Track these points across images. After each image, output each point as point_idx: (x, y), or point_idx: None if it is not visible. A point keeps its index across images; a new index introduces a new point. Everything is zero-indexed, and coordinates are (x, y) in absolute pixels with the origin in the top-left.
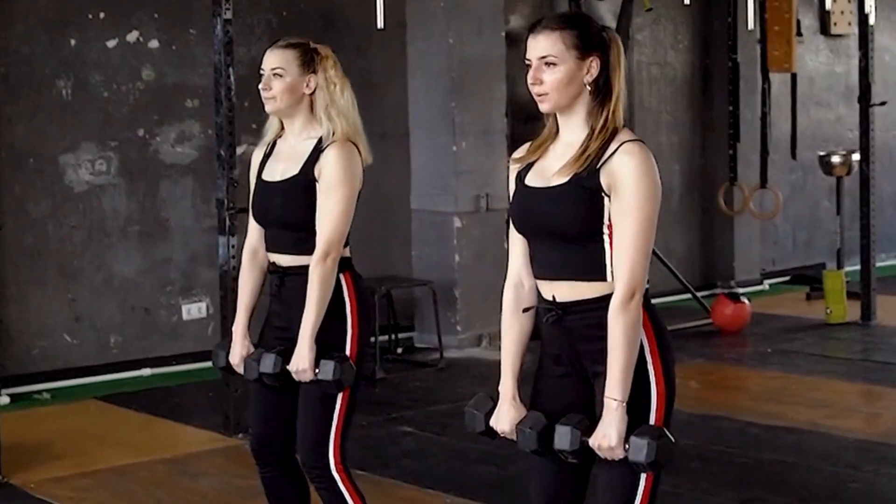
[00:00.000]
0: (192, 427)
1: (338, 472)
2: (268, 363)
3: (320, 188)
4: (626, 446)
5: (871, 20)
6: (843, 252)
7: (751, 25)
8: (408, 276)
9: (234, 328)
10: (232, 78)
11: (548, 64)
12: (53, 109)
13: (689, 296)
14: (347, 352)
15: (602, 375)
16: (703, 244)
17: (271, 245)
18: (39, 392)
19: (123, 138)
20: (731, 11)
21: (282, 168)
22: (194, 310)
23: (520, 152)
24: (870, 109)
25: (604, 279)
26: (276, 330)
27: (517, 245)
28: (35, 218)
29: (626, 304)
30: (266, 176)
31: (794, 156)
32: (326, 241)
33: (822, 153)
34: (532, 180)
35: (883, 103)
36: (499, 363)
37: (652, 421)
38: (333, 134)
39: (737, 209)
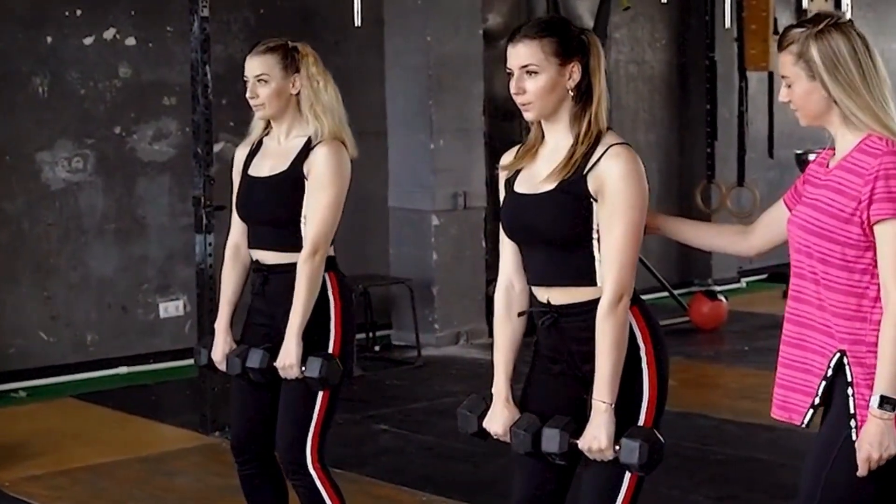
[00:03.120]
0: (169, 425)
1: (315, 469)
2: (255, 358)
3: (309, 186)
4: (617, 448)
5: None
6: None
7: (728, 24)
8: (385, 274)
9: (216, 325)
10: (209, 75)
11: (529, 73)
12: (30, 107)
13: (666, 294)
14: (330, 351)
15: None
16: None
17: (254, 241)
18: (15, 391)
19: (100, 136)
20: (709, 10)
21: (270, 164)
22: (171, 308)
23: (507, 158)
24: None
25: (594, 284)
26: (259, 327)
27: (507, 248)
28: (11, 215)
29: (614, 308)
30: (252, 171)
31: (771, 154)
32: (314, 239)
33: (799, 151)
34: (520, 186)
35: None
36: (476, 361)
37: (642, 420)
38: (322, 133)
39: (714, 207)
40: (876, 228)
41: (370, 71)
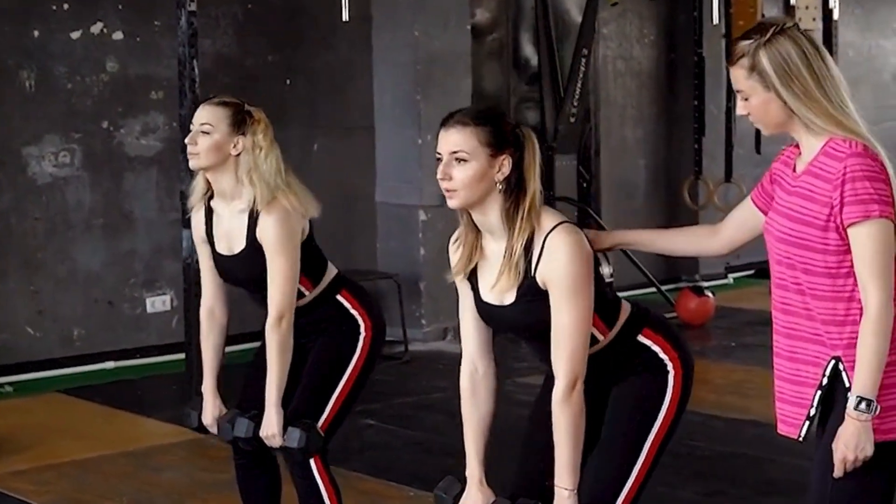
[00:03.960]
0: (156, 420)
1: (315, 462)
2: (241, 428)
3: (265, 252)
4: None
5: (836, 15)
6: None
7: (716, 20)
8: (372, 270)
9: (203, 389)
10: (196, 70)
11: (458, 160)
12: (16, 101)
13: (653, 289)
14: (358, 353)
15: (615, 395)
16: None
17: (258, 306)
18: (2, 385)
19: (87, 130)
20: (697, 6)
21: (228, 241)
22: (158, 302)
23: (455, 260)
24: None
25: (595, 343)
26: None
27: (470, 331)
28: None
29: (569, 396)
30: (219, 248)
31: (758, 150)
32: (278, 306)
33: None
34: (485, 294)
35: None
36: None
37: (656, 428)
38: (258, 201)
39: (701, 203)
40: (849, 231)
41: (358, 66)
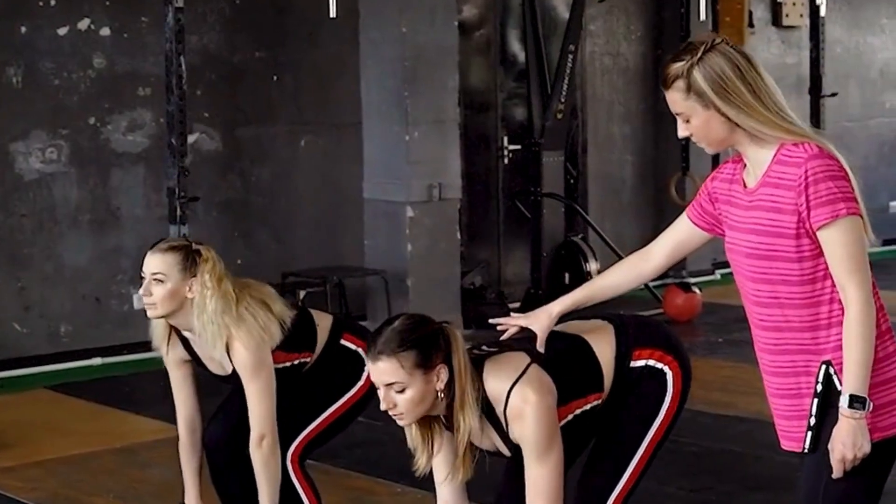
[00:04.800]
0: (143, 416)
1: (291, 463)
2: None
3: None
4: None
5: (822, 12)
6: None
7: (703, 16)
8: (360, 266)
9: (186, 502)
10: (183, 66)
11: (396, 391)
12: (3, 97)
13: (640, 285)
14: (360, 384)
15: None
16: (655, 234)
17: None
18: None
19: (74, 126)
20: (684, 2)
21: (217, 363)
22: None
23: (412, 448)
24: (821, 100)
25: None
26: None
27: (443, 479)
28: None
29: None
30: (212, 369)
31: None
32: (258, 428)
33: None
34: (483, 446)
35: (833, 94)
36: None
37: (654, 429)
38: (214, 344)
39: (688, 199)
40: (819, 234)
41: (345, 62)
